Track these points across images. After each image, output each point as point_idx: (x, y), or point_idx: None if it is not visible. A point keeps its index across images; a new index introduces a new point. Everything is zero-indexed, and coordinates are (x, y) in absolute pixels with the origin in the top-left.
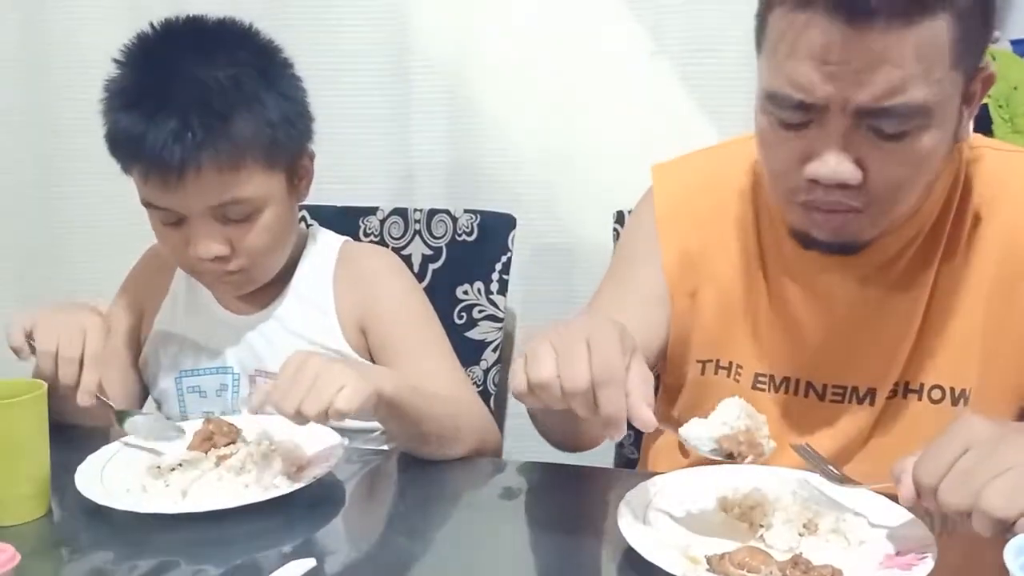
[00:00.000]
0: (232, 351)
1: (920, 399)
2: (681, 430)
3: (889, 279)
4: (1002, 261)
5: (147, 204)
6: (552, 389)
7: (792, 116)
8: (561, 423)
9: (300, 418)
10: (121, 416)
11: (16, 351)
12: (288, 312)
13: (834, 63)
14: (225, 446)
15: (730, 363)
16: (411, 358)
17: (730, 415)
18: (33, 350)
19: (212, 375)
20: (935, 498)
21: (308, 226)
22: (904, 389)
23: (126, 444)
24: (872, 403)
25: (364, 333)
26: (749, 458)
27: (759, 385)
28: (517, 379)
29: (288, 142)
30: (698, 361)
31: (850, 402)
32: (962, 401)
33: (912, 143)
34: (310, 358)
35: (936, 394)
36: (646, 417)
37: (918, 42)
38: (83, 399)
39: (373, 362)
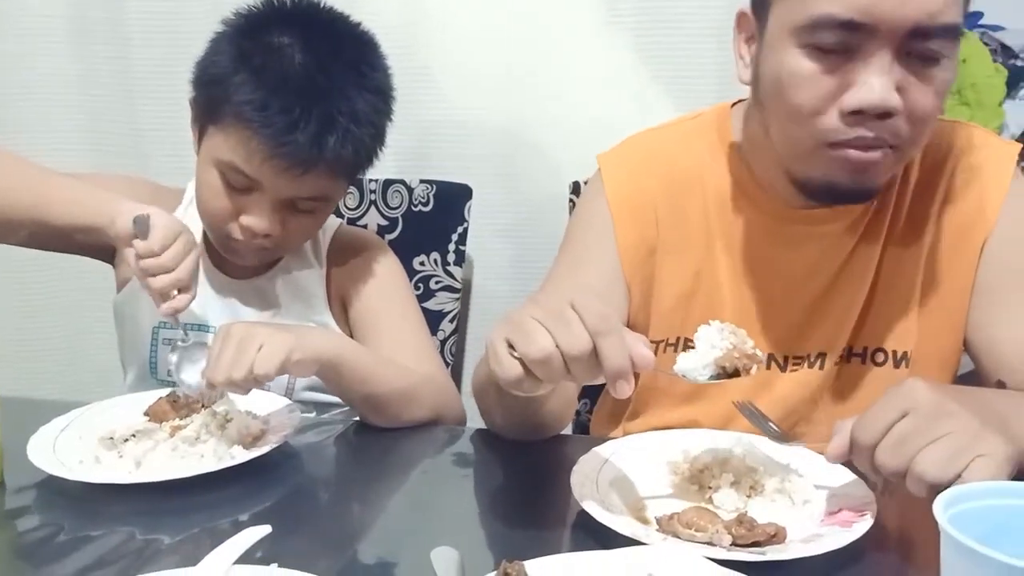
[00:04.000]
0: (216, 312)
1: (864, 362)
2: (675, 368)
3: (843, 249)
4: (939, 230)
5: (231, 167)
6: (554, 360)
7: (828, 43)
8: (523, 415)
9: (234, 387)
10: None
11: (121, 239)
12: (278, 282)
13: None
14: (182, 419)
15: (678, 338)
16: (382, 330)
17: (713, 338)
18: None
19: (192, 331)
20: (871, 459)
21: None
22: (849, 353)
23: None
24: (822, 367)
25: (346, 307)
26: (753, 368)
27: None
28: (506, 366)
29: (375, 160)
30: (653, 342)
31: (805, 368)
32: (904, 364)
33: (940, 71)
34: (232, 326)
35: (879, 357)
36: (647, 355)
37: None
38: (168, 312)
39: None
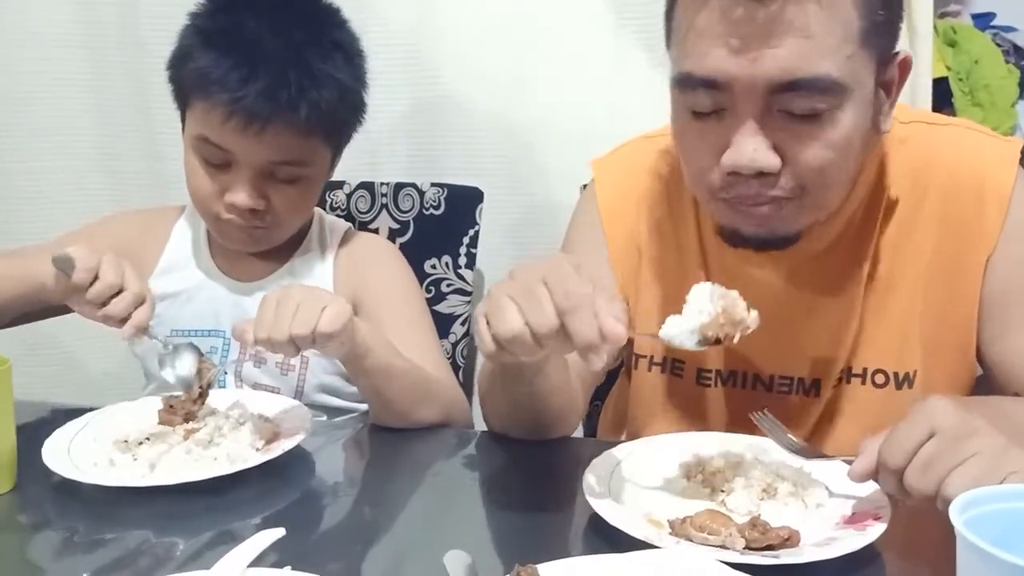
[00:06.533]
0: (227, 315)
1: (864, 383)
2: (661, 333)
3: (826, 271)
4: (939, 241)
5: (203, 140)
6: (523, 338)
7: (703, 102)
8: (530, 405)
9: (290, 346)
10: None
11: (57, 293)
12: (286, 283)
13: (739, 37)
14: (185, 422)
15: (665, 359)
16: (390, 330)
17: (703, 302)
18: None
19: (203, 337)
20: (900, 482)
21: None
22: (848, 374)
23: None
24: (818, 394)
25: (355, 308)
26: (736, 336)
27: (704, 380)
28: (484, 339)
29: (351, 124)
30: (638, 356)
31: (797, 393)
32: (906, 385)
33: (829, 124)
34: (290, 289)
35: (879, 379)
36: (615, 329)
37: (825, 12)
38: (131, 332)
39: None
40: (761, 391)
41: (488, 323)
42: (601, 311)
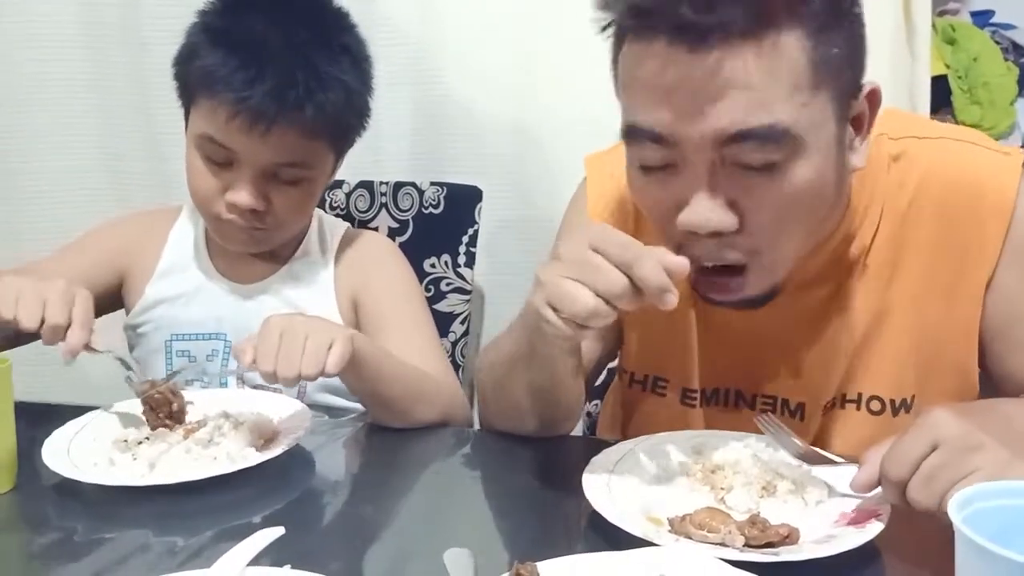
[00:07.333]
0: (227, 318)
1: (859, 409)
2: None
3: (811, 305)
4: (935, 260)
5: (206, 138)
6: (600, 309)
7: (652, 156)
8: (538, 399)
9: (296, 381)
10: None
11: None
12: (286, 286)
13: (679, 93)
14: (167, 418)
15: (646, 376)
16: (391, 331)
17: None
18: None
19: (204, 340)
20: (903, 493)
21: None
22: (842, 400)
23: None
24: (803, 418)
25: (356, 308)
26: None
27: (688, 400)
28: (558, 327)
29: (355, 127)
30: (625, 371)
31: (781, 415)
32: (903, 410)
33: (785, 177)
34: (292, 320)
35: (875, 405)
36: (678, 261)
37: (765, 62)
38: (67, 355)
39: None
40: (744, 409)
41: (555, 309)
42: (655, 252)
